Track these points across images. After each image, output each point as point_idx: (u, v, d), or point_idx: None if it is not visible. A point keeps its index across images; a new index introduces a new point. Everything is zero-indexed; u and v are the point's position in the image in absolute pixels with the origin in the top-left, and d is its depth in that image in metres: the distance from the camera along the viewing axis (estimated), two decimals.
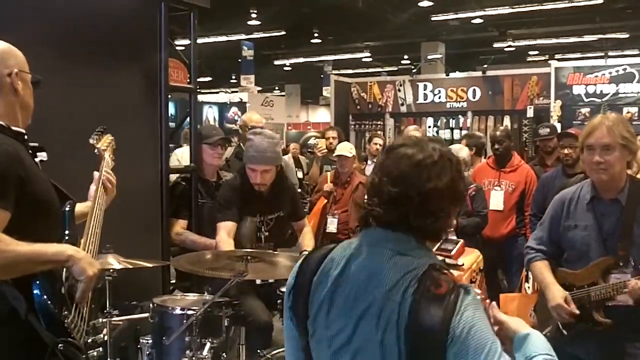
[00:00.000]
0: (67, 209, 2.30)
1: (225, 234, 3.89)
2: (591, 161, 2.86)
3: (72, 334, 2.12)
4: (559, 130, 6.43)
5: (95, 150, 2.75)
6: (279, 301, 3.77)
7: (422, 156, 1.62)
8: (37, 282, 2.06)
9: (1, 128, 2.18)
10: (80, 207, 2.49)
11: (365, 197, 1.72)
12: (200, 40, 5.74)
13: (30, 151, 2.27)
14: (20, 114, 2.25)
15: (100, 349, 2.33)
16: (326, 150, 7.31)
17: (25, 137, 2.27)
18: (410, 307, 1.51)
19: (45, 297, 2.06)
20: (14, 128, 2.22)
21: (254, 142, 4.01)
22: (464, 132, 9.80)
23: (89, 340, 2.27)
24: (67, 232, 2.26)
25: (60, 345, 2.07)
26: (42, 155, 2.32)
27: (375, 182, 1.67)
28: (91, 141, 2.75)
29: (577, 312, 2.90)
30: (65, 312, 2.11)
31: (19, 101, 2.24)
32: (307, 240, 4.29)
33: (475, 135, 7.52)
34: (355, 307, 1.60)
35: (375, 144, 7.67)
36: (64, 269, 2.16)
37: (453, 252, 3.85)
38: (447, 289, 1.52)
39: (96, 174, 2.65)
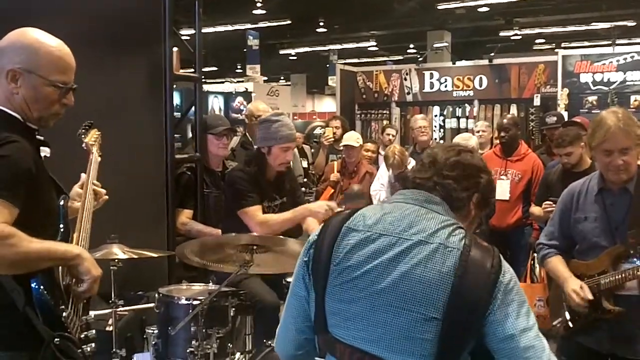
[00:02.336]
0: (61, 203, 2.29)
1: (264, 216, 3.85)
2: (609, 163, 2.85)
3: (68, 329, 2.12)
4: (566, 119, 6.40)
5: (83, 145, 2.69)
6: (285, 290, 3.76)
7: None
8: (37, 275, 2.06)
9: (15, 122, 2.16)
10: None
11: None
12: (205, 30, 5.71)
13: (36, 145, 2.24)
14: (27, 111, 2.19)
15: (93, 344, 2.32)
16: (332, 139, 7.27)
17: (36, 132, 2.25)
18: (463, 249, 1.67)
19: (43, 290, 2.06)
20: (28, 124, 2.20)
21: (283, 122, 3.94)
22: (471, 120, 9.76)
23: (82, 336, 2.26)
24: (61, 225, 2.26)
25: (56, 339, 2.07)
26: (45, 151, 2.29)
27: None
28: (80, 135, 2.68)
29: (591, 297, 2.89)
30: (62, 307, 2.11)
31: (22, 98, 2.17)
32: (314, 224, 4.01)
33: None
34: (390, 250, 1.72)
35: (388, 134, 7.65)
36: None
37: None
38: (490, 246, 1.72)
39: (83, 175, 2.58)
